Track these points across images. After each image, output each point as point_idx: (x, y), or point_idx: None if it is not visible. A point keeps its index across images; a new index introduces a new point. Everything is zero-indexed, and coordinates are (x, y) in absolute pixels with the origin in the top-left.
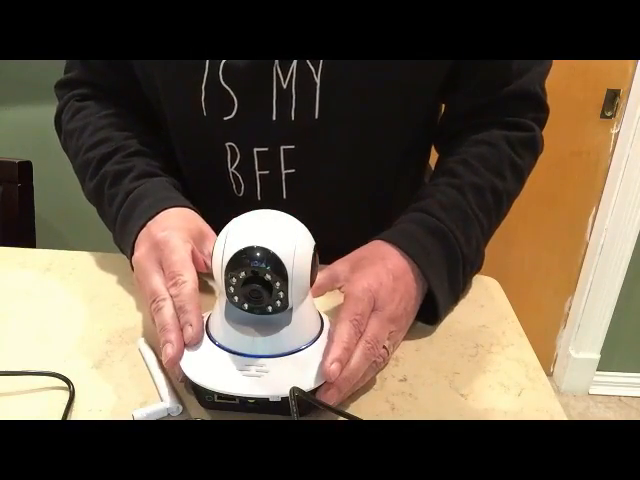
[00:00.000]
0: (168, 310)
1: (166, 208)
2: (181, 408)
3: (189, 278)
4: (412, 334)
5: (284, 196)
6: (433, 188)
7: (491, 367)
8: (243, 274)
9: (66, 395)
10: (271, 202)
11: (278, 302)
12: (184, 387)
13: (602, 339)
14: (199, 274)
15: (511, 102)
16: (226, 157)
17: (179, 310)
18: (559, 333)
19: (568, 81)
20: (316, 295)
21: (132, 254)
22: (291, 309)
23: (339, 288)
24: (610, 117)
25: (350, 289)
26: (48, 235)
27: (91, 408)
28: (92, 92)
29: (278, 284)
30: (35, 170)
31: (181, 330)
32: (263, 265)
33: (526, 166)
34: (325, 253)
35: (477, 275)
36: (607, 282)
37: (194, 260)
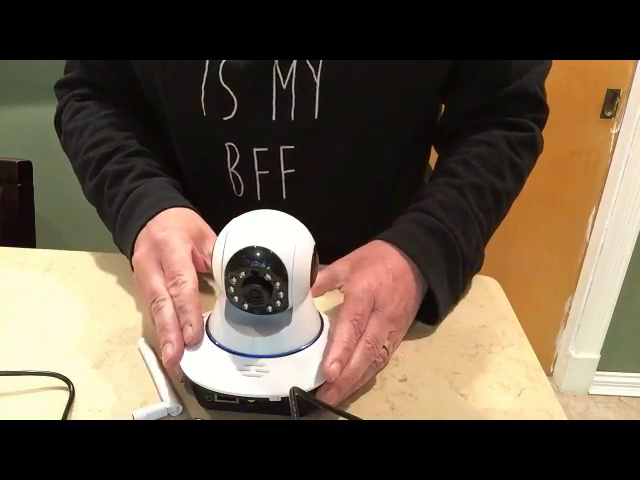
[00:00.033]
0: (168, 310)
1: (166, 208)
2: (181, 408)
3: (189, 278)
4: (412, 334)
5: (284, 196)
6: (433, 188)
7: (491, 367)
8: (243, 274)
9: (66, 395)
10: (271, 202)
11: (278, 302)
12: (184, 387)
13: (602, 339)
14: (199, 274)
15: (511, 102)
16: (226, 157)
17: (179, 310)
18: (559, 333)
19: (568, 81)
20: (316, 295)
21: (132, 254)
22: (291, 309)
23: (339, 288)
24: (610, 117)
25: (350, 289)
26: (48, 235)
27: (91, 408)
28: (92, 92)
29: (278, 284)
30: (35, 170)
31: (181, 330)
32: (263, 265)
33: (526, 166)
34: (325, 253)
35: (477, 275)
36: (607, 282)
37: (194, 260)
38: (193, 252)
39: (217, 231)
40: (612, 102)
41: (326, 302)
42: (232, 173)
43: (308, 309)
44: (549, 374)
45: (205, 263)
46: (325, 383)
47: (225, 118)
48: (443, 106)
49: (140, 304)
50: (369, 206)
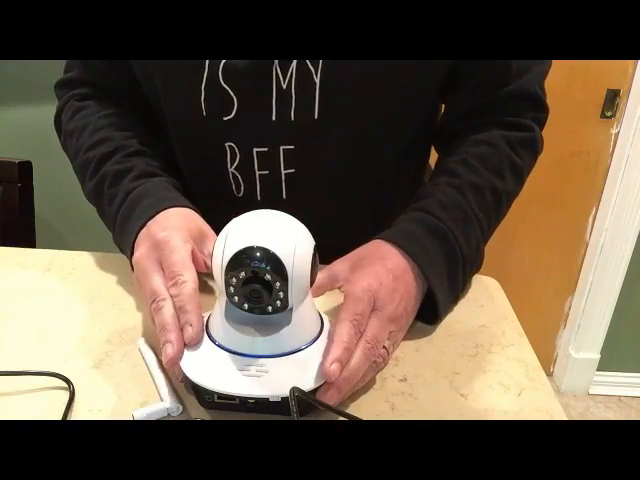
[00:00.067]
0: (168, 310)
1: (166, 208)
2: (181, 408)
3: (189, 278)
4: (412, 334)
5: (284, 196)
6: (433, 188)
7: (491, 367)
8: (243, 274)
9: (66, 395)
10: (271, 202)
11: (278, 302)
12: (184, 387)
13: (602, 339)
14: (199, 274)
15: (511, 102)
16: (226, 157)
17: (179, 310)
18: (559, 333)
19: (568, 81)
20: (316, 295)
21: (132, 254)
22: (291, 309)
23: (339, 288)
24: (610, 117)
25: (350, 289)
26: (48, 235)
27: (91, 408)
28: (92, 92)
29: (278, 284)
30: (35, 170)
31: (181, 330)
32: (263, 265)
33: (526, 166)
34: (325, 253)
35: (477, 275)
36: (607, 282)
37: (194, 260)
38: (193, 252)
39: (217, 231)
40: (612, 102)
41: (326, 302)
42: (232, 173)
43: (308, 309)
44: (549, 374)
45: (205, 263)
46: (325, 383)
47: (225, 118)
48: (443, 106)
49: (140, 304)
50: (369, 206)
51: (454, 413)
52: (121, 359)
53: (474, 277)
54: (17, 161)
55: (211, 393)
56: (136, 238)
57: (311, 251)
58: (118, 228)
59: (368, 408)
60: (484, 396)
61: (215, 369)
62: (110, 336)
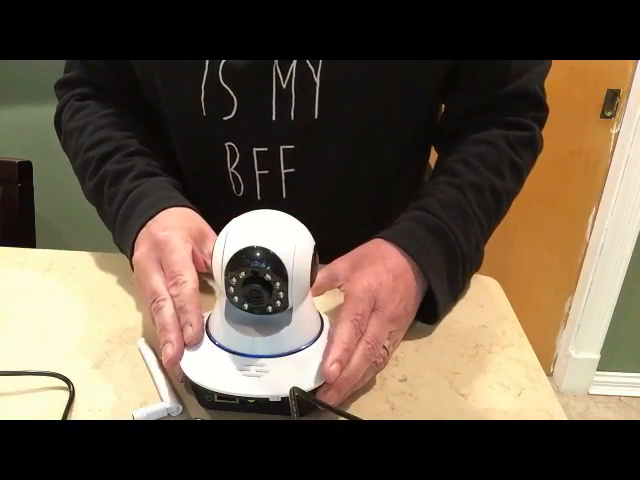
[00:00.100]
0: (168, 310)
1: (166, 208)
2: (181, 408)
3: (189, 278)
4: (412, 334)
5: (284, 196)
6: (433, 187)
7: (491, 367)
8: (243, 274)
9: (66, 395)
10: (271, 202)
11: (278, 302)
12: (184, 387)
13: (602, 339)
14: (199, 274)
15: (511, 102)
16: (225, 157)
17: (179, 310)
18: (559, 333)
19: (568, 81)
20: (316, 294)
21: (132, 254)
22: (291, 309)
23: (339, 287)
24: (610, 117)
25: (350, 289)
26: (48, 235)
27: (91, 408)
28: (92, 91)
29: (278, 284)
30: (35, 170)
31: (181, 330)
32: (263, 265)
33: (525, 165)
34: (325, 253)
35: (477, 275)
36: (607, 282)
37: (194, 260)
38: (193, 252)
39: (217, 231)
40: (612, 102)
41: (326, 302)
42: (232, 173)
43: (308, 309)
44: (549, 374)
45: (205, 263)
46: (325, 384)
47: (225, 118)
48: (443, 105)
49: (140, 304)
50: (369, 206)
51: (454, 413)
52: (121, 359)
53: (474, 277)
54: (17, 161)
55: (211, 393)
56: (136, 238)
57: (311, 251)
58: (118, 228)
59: (368, 408)
60: (484, 396)
61: (215, 369)
62: (110, 336)
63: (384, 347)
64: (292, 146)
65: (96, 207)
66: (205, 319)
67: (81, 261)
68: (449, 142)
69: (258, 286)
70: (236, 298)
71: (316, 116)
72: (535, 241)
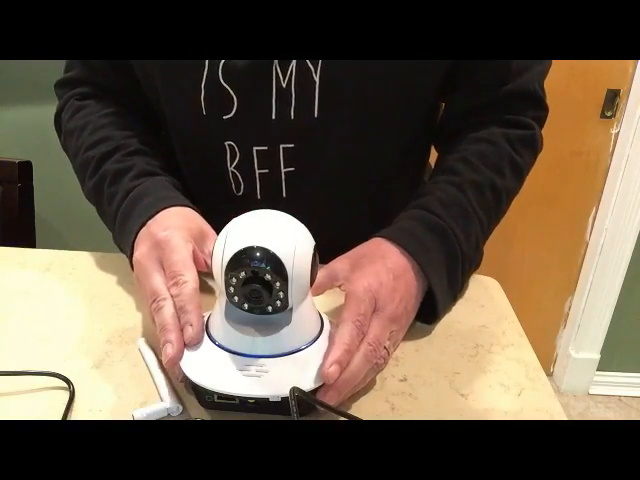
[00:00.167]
0: (168, 310)
1: (166, 207)
2: (181, 408)
3: (190, 278)
4: (412, 334)
5: (284, 195)
6: (433, 186)
7: (491, 367)
8: (243, 274)
9: (66, 395)
10: (271, 201)
11: (278, 302)
12: (184, 387)
13: (602, 339)
14: (199, 274)
15: (511, 101)
16: (225, 156)
17: (180, 310)
18: (559, 333)
19: (568, 81)
20: (315, 294)
21: (132, 253)
22: (291, 309)
23: (339, 286)
24: (610, 117)
25: (351, 289)
26: (48, 235)
27: (91, 408)
28: (92, 91)
29: (278, 284)
30: (35, 170)
31: (181, 330)
32: (263, 265)
33: (526, 164)
34: (325, 253)
35: (477, 275)
36: (607, 282)
37: (195, 260)
38: (194, 252)
39: (217, 230)
40: (612, 102)
41: (326, 302)
42: (232, 172)
43: (308, 309)
44: (549, 374)
45: (206, 262)
46: (325, 385)
47: (225, 117)
48: (443, 105)
49: (140, 304)
50: (369, 205)
51: (454, 413)
52: (121, 359)
53: (474, 277)
54: (17, 161)
55: (211, 393)
56: (136, 237)
57: (311, 251)
58: (118, 227)
59: (368, 408)
60: (484, 396)
61: (215, 369)
62: (110, 336)
63: (385, 348)
64: (292, 145)
65: (96, 207)
66: (205, 319)
67: (81, 261)
68: (449, 141)
69: (258, 286)
70: (236, 298)
71: (316, 115)
72: (535, 241)
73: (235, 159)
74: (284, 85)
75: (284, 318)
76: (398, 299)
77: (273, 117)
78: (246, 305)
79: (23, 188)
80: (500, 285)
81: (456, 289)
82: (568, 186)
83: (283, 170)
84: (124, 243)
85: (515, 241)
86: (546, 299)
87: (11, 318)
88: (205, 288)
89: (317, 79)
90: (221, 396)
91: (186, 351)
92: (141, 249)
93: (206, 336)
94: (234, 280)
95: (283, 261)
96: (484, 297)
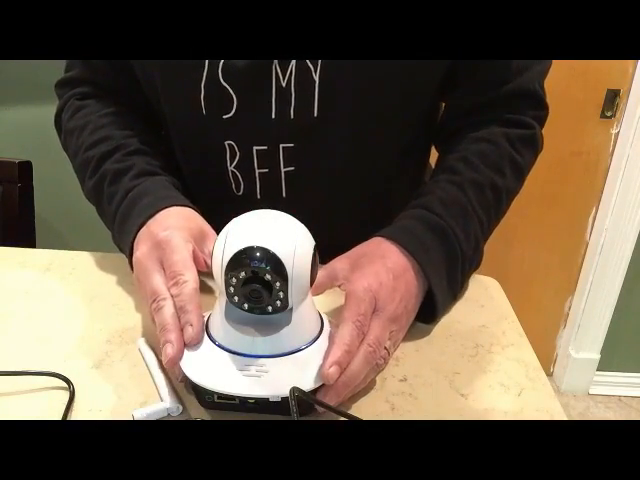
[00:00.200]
0: (168, 310)
1: (166, 207)
2: (181, 408)
3: (190, 278)
4: (412, 334)
5: (283, 194)
6: (433, 185)
7: (491, 367)
8: (243, 274)
9: (66, 395)
10: (270, 200)
11: (278, 302)
12: (184, 387)
13: (602, 339)
14: (199, 274)
15: (511, 100)
16: (225, 156)
17: (180, 310)
18: (559, 333)
19: (568, 81)
20: (315, 294)
21: (131, 253)
22: (291, 309)
23: (339, 286)
24: (610, 117)
25: (351, 289)
26: (48, 235)
27: (91, 408)
28: (92, 91)
29: (278, 284)
30: (35, 170)
31: (181, 330)
32: (263, 265)
33: (526, 164)
34: (325, 253)
35: (477, 275)
36: (607, 282)
37: (195, 260)
38: (194, 252)
39: (217, 230)
40: (612, 102)
41: (326, 302)
42: (232, 172)
43: (308, 309)
44: (549, 374)
45: (206, 262)
46: (325, 385)
47: (225, 116)
48: (443, 104)
49: (140, 304)
50: (369, 205)
51: (454, 413)
52: (121, 359)
53: (474, 277)
54: (17, 161)
55: (211, 393)
56: (135, 237)
57: (311, 251)
58: (117, 227)
59: (368, 408)
60: (484, 396)
61: (215, 369)
62: (110, 336)
63: (385, 348)
64: (292, 144)
65: (96, 206)
66: (205, 319)
67: (81, 261)
68: (449, 141)
69: (258, 286)
70: (236, 298)
71: (316, 114)
72: (535, 241)
73: (235, 159)
74: (284, 85)
75: (284, 318)
76: (398, 299)
77: (273, 117)
78: (246, 305)
79: (23, 188)
80: (500, 285)
81: (456, 289)
82: (568, 186)
83: (283, 170)
84: (124, 243)
85: (515, 241)
86: (546, 299)
87: (11, 318)
88: (205, 288)
89: (317, 79)
90: (221, 396)
91: (186, 351)
92: (141, 249)
93: (206, 336)
94: (234, 280)
95: (283, 261)
96: (484, 297)
